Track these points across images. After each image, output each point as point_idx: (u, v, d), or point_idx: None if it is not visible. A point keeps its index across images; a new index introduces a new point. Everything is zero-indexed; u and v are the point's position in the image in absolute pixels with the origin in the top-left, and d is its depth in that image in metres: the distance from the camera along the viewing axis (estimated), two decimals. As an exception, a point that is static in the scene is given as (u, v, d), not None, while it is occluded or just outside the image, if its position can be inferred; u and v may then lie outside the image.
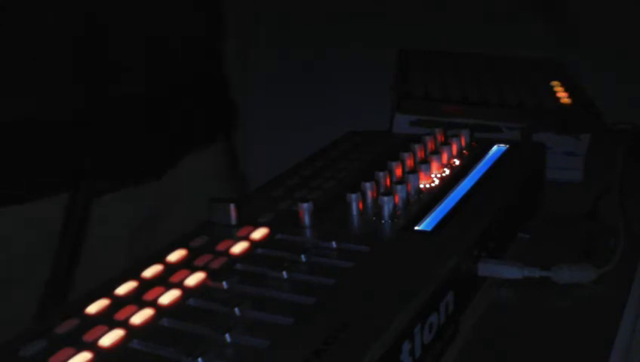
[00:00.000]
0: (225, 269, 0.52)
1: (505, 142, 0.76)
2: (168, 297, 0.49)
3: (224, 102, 1.02)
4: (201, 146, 0.95)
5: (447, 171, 0.68)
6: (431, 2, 1.26)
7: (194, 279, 0.51)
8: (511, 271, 0.60)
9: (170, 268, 0.53)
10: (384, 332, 0.43)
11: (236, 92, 1.46)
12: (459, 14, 1.25)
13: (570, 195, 0.83)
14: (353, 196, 0.60)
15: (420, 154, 0.69)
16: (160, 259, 0.54)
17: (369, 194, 0.61)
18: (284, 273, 0.50)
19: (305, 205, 0.58)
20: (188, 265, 0.53)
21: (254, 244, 0.56)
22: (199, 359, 0.41)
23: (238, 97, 1.05)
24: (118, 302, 0.48)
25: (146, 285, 0.51)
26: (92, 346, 0.44)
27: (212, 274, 0.51)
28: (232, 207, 0.59)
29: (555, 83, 1.01)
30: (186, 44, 0.87)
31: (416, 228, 0.57)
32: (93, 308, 0.48)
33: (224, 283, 0.50)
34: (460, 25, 1.24)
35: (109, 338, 0.44)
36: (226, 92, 1.02)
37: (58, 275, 0.77)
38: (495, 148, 0.75)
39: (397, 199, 0.60)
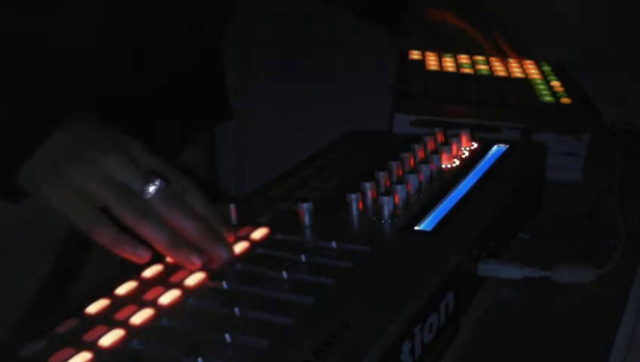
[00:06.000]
0: (225, 269, 0.52)
1: (505, 142, 0.76)
2: (168, 297, 0.49)
3: (221, 91, 0.99)
4: (196, 135, 0.93)
5: (447, 171, 0.68)
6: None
7: (194, 279, 0.51)
8: (511, 271, 0.60)
9: (170, 268, 0.53)
10: (384, 332, 0.43)
11: (236, 92, 1.46)
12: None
13: (570, 195, 0.83)
14: (353, 196, 0.60)
15: (420, 154, 0.69)
16: (160, 259, 0.54)
17: (369, 194, 0.61)
18: (284, 273, 0.50)
19: (305, 205, 0.58)
20: (188, 265, 0.53)
21: (254, 244, 0.56)
22: (199, 359, 0.41)
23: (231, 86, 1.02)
24: (118, 302, 0.48)
25: (146, 285, 0.51)
26: (92, 346, 0.44)
27: (212, 274, 0.51)
28: (232, 207, 0.59)
29: (555, 83, 1.01)
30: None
31: (416, 228, 0.57)
32: (93, 308, 0.48)
33: (224, 283, 0.50)
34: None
35: (109, 338, 0.44)
36: (223, 80, 0.99)
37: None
38: (495, 148, 0.75)
39: (397, 199, 0.60)
